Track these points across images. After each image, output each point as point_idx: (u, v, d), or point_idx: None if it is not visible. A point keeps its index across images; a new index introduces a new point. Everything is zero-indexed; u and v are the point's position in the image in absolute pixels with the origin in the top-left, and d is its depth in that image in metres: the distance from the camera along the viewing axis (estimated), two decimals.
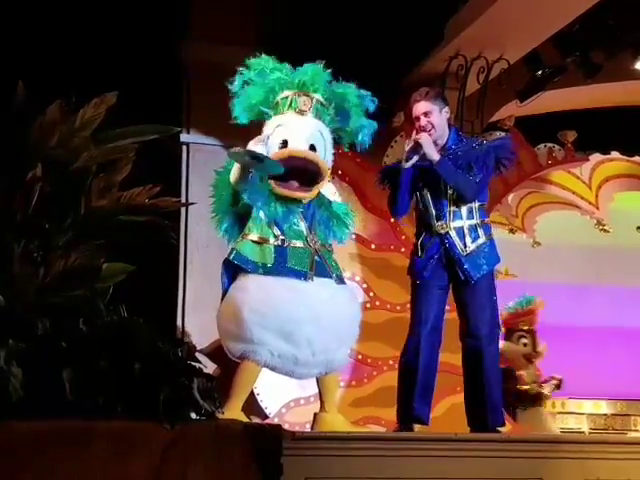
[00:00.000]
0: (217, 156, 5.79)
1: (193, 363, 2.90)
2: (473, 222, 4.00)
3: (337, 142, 4.05)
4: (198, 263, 5.82)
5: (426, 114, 3.98)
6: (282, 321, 3.68)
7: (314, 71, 3.89)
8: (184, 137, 6.02)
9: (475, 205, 4.02)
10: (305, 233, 3.86)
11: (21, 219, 2.94)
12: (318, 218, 3.95)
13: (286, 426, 4.23)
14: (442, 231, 3.97)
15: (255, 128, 4.06)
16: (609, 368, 6.00)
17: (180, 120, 5.99)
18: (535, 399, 5.57)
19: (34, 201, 2.93)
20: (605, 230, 6.33)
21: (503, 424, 3.94)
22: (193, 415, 2.82)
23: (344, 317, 3.88)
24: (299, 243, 3.83)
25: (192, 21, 6.25)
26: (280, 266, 3.77)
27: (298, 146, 3.83)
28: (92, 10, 5.63)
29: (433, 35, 6.38)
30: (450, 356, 4.45)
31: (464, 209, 3.99)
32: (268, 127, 3.92)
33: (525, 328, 5.82)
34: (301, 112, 3.87)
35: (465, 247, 3.96)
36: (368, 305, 5.38)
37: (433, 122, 3.97)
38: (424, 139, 3.91)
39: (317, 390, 4.43)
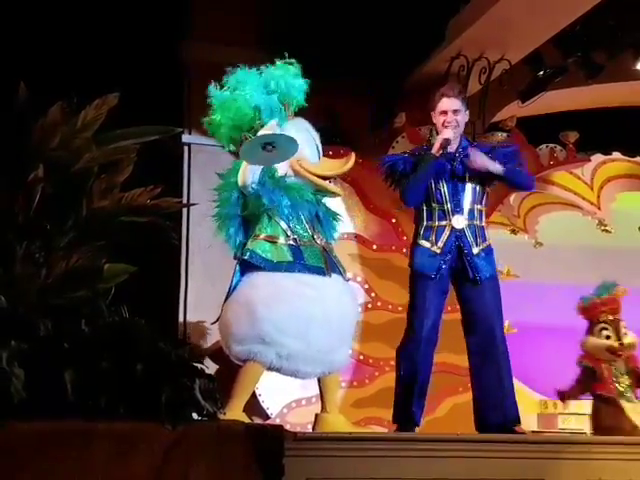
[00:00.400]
0: (218, 157, 5.78)
1: (195, 364, 2.90)
2: (480, 224, 4.02)
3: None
4: (199, 264, 5.81)
5: (455, 111, 4.01)
6: (296, 318, 3.68)
7: (297, 77, 4.06)
8: (185, 138, 6.02)
9: (483, 208, 4.04)
10: (310, 231, 3.88)
11: (23, 220, 2.94)
12: (320, 214, 3.99)
13: (287, 427, 4.23)
14: (459, 226, 3.96)
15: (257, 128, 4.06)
16: None
17: (181, 121, 5.99)
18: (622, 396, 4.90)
19: (36, 202, 2.94)
20: (607, 230, 6.33)
21: (519, 422, 3.93)
22: (195, 416, 2.82)
23: (349, 317, 3.91)
24: (307, 241, 3.86)
25: (193, 22, 6.25)
26: (298, 263, 3.79)
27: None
28: (93, 11, 5.63)
29: (434, 36, 6.37)
30: (452, 356, 4.45)
31: (475, 209, 4.01)
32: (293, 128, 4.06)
33: (607, 319, 5.20)
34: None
35: (477, 246, 3.97)
36: (369, 306, 5.38)
37: (459, 121, 4.01)
38: (477, 156, 3.92)
39: (318, 390, 4.44)
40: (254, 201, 3.87)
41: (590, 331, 5.24)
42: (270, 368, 3.80)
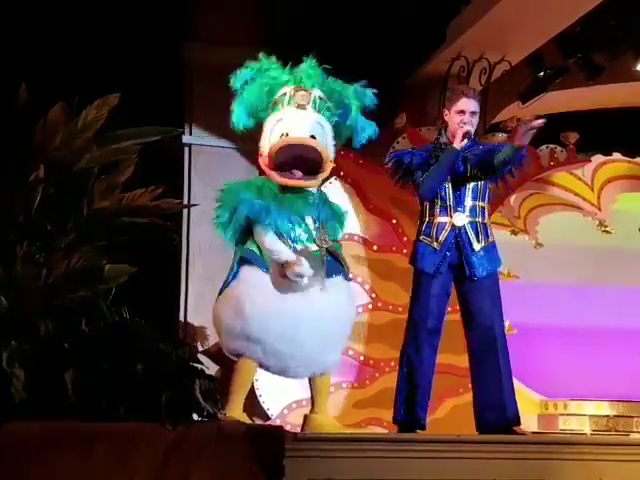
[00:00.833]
0: (219, 158, 5.79)
1: (195, 364, 2.90)
2: (482, 221, 4.02)
3: (336, 138, 4.05)
4: (200, 264, 5.81)
5: (472, 113, 4.03)
6: (283, 318, 3.67)
7: (309, 66, 3.93)
8: (186, 139, 6.02)
9: (486, 205, 4.04)
10: (314, 234, 3.85)
11: (24, 220, 2.94)
12: (324, 216, 3.94)
13: (288, 427, 4.23)
14: (459, 224, 3.96)
15: (257, 130, 4.06)
16: (611, 369, 5.99)
17: (182, 121, 6.00)
18: None
19: (36, 202, 2.94)
20: (607, 231, 6.32)
21: (519, 422, 3.93)
22: (195, 416, 2.82)
23: (343, 319, 3.88)
24: (309, 246, 3.82)
25: (194, 23, 6.25)
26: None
27: (297, 137, 3.84)
28: (95, 12, 5.63)
29: (435, 37, 6.37)
30: (452, 357, 4.45)
31: (477, 206, 4.01)
32: (268, 124, 3.93)
33: None
34: (301, 106, 3.90)
35: (479, 242, 3.97)
36: (370, 306, 5.38)
37: (474, 123, 4.03)
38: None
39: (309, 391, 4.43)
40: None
41: None
42: (261, 365, 3.79)
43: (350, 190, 5.48)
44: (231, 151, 5.86)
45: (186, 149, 6.05)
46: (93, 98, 3.16)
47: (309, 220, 3.87)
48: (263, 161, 3.94)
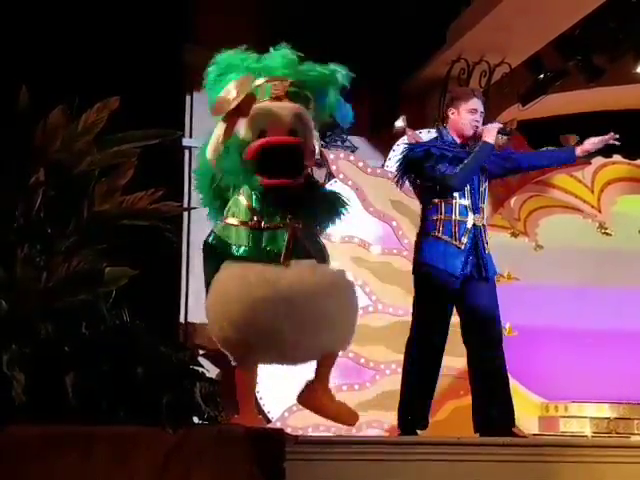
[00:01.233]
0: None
1: (195, 367, 2.90)
2: (485, 222, 4.04)
3: (316, 123, 3.79)
4: (200, 267, 5.81)
5: (482, 114, 4.05)
6: (246, 314, 3.40)
7: (281, 55, 3.69)
8: (186, 141, 6.03)
9: (486, 207, 4.05)
10: (285, 213, 3.58)
11: (24, 223, 2.94)
12: (305, 199, 3.65)
13: (289, 430, 4.23)
14: (479, 223, 3.95)
15: None
16: (612, 371, 5.98)
17: (182, 124, 6.00)
18: None
19: (37, 205, 2.94)
20: (607, 233, 6.32)
21: (514, 423, 3.92)
22: (195, 419, 2.82)
23: (318, 300, 3.51)
24: (277, 223, 3.56)
25: (194, 25, 6.26)
26: (255, 249, 3.54)
27: (275, 134, 3.56)
28: (95, 15, 5.64)
29: (435, 39, 6.38)
30: (453, 359, 4.44)
31: (485, 208, 4.02)
32: (245, 120, 3.65)
33: None
34: (276, 98, 3.64)
35: (487, 244, 3.98)
36: (371, 309, 5.38)
37: (481, 123, 4.04)
38: None
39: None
40: (224, 179, 3.64)
41: None
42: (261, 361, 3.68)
43: (350, 193, 5.48)
44: None
45: (186, 152, 6.05)
46: (93, 101, 3.16)
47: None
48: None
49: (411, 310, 4.88)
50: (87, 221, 3.00)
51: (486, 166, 4.01)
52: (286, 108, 3.63)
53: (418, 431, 3.92)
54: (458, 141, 4.01)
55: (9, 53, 5.01)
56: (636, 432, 5.57)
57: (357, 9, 6.17)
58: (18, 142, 2.99)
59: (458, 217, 3.93)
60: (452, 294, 3.91)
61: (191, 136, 6.06)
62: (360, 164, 5.55)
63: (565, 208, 6.37)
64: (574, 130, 6.25)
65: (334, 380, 4.30)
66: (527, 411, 5.67)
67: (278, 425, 4.86)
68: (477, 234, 3.95)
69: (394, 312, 5.32)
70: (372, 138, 6.44)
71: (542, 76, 6.55)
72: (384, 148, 5.67)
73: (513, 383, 4.67)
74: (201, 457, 2.68)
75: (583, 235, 6.37)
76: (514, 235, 6.23)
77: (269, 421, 5.04)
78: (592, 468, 3.41)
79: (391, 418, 4.40)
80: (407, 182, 4.12)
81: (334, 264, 3.80)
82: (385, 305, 5.40)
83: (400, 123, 5.96)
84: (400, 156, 4.12)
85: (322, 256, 3.66)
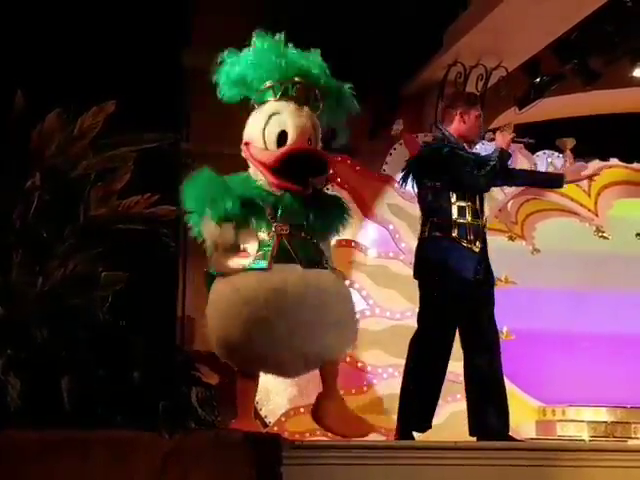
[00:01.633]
0: (217, 164, 5.78)
1: (192, 372, 2.89)
2: None
3: None
4: (196, 271, 5.80)
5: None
6: (240, 330, 3.44)
7: (316, 60, 3.70)
8: (183, 145, 6.02)
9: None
10: (271, 223, 3.58)
11: (20, 227, 2.93)
12: (296, 208, 3.62)
13: (286, 435, 4.22)
14: (486, 229, 3.99)
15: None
16: (609, 375, 5.98)
17: (180, 128, 6.00)
18: None
19: (32, 209, 2.93)
20: (604, 237, 6.33)
21: (508, 427, 3.92)
22: (192, 424, 2.81)
23: (311, 304, 3.49)
24: (263, 234, 3.58)
25: (192, 29, 6.26)
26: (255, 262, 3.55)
27: (299, 142, 3.59)
28: (93, 18, 5.64)
29: (432, 43, 6.40)
30: (451, 363, 4.43)
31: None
32: (262, 113, 3.67)
33: None
34: (299, 102, 3.65)
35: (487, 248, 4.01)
36: (367, 313, 5.37)
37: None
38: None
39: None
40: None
41: None
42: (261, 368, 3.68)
43: (347, 196, 5.48)
44: (229, 157, 5.87)
45: (184, 155, 6.05)
46: (90, 104, 3.15)
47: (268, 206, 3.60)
48: (253, 152, 3.69)
49: (408, 314, 4.88)
50: (83, 225, 2.99)
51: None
52: (308, 116, 3.66)
53: (416, 435, 3.92)
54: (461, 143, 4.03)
55: (5, 57, 5.00)
56: (634, 436, 5.56)
57: (355, 13, 6.18)
58: (14, 146, 2.98)
59: (470, 220, 3.93)
60: (461, 297, 3.89)
61: (189, 139, 6.06)
62: (357, 168, 5.55)
63: (562, 212, 6.37)
64: (571, 134, 6.27)
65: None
66: (524, 415, 5.66)
67: (275, 430, 4.85)
68: (485, 238, 3.96)
69: (391, 316, 5.32)
70: (369, 142, 6.45)
71: (538, 80, 6.57)
72: (381, 152, 5.66)
73: (510, 387, 4.68)
74: (199, 461, 2.68)
75: (580, 239, 6.37)
76: (511, 239, 6.23)
77: (266, 425, 5.04)
78: (589, 472, 3.41)
79: (388, 422, 4.40)
80: (409, 182, 4.11)
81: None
82: (382, 309, 5.39)
83: (397, 127, 5.97)
84: (420, 155, 4.10)
85: (315, 260, 3.61)
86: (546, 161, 6.04)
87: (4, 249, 2.89)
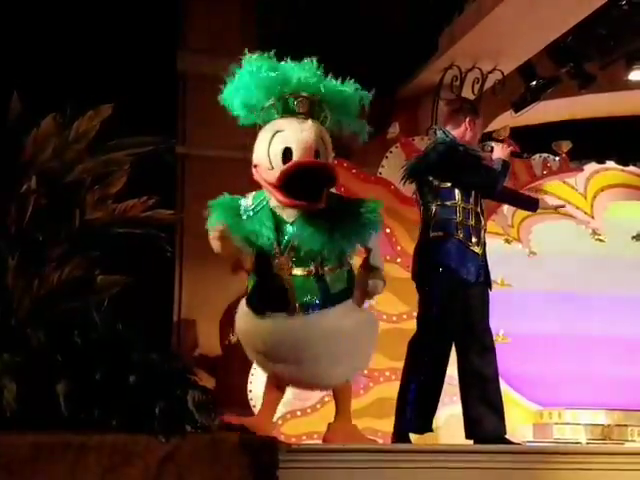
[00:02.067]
0: (213, 167, 5.80)
1: (188, 375, 2.89)
2: None
3: (333, 139, 3.76)
4: (193, 275, 5.81)
5: None
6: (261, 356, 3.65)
7: (309, 70, 3.62)
8: (179, 149, 6.03)
9: None
10: (278, 258, 3.54)
11: (15, 231, 2.93)
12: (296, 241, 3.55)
13: (282, 438, 4.22)
14: (486, 233, 4.00)
15: (251, 139, 4.03)
16: (605, 378, 5.98)
17: (176, 131, 6.00)
18: None
19: (28, 213, 2.93)
20: (600, 240, 6.33)
21: (506, 431, 3.92)
22: (188, 428, 2.81)
23: (316, 349, 3.53)
24: (271, 274, 3.56)
25: (187, 32, 6.26)
26: (248, 299, 3.66)
27: (303, 156, 3.52)
28: (87, 22, 5.64)
29: (428, 46, 6.40)
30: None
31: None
32: (266, 133, 3.62)
33: None
34: (301, 115, 3.59)
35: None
36: None
37: None
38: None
39: (313, 402, 4.40)
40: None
41: None
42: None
43: None
44: (225, 160, 5.87)
45: (179, 159, 6.05)
46: (86, 108, 3.16)
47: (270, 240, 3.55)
48: (262, 174, 3.61)
49: (405, 317, 4.87)
50: (79, 229, 2.99)
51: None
52: (312, 129, 3.58)
53: (412, 438, 3.91)
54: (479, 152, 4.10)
55: (1, 60, 5.00)
56: (630, 439, 5.56)
57: (349, 19, 6.19)
58: (9, 150, 2.98)
59: (473, 222, 3.94)
60: (461, 298, 3.89)
61: (184, 143, 6.06)
62: (353, 170, 5.55)
63: (558, 214, 6.38)
64: (567, 136, 6.28)
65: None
66: (521, 418, 5.66)
67: (271, 433, 4.84)
68: (485, 241, 3.99)
69: (387, 319, 5.31)
70: (365, 145, 6.45)
71: (534, 83, 6.58)
72: (377, 155, 5.66)
73: (507, 390, 4.67)
74: (195, 465, 2.68)
75: (576, 241, 6.37)
76: (507, 241, 6.24)
77: None
78: (586, 475, 3.41)
79: (384, 425, 4.39)
80: (408, 182, 4.12)
81: None
82: (379, 312, 5.38)
83: (393, 130, 5.97)
84: (434, 153, 4.01)
85: (313, 304, 3.55)
86: (542, 164, 6.05)
87: (0, 253, 2.89)
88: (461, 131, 4.05)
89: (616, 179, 6.47)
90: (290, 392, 4.25)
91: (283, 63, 3.64)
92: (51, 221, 2.96)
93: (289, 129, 3.57)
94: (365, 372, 5.29)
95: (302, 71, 3.62)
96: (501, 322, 4.14)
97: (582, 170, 6.30)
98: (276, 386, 3.75)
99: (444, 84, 6.49)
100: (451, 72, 6.44)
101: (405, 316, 5.01)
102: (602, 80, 6.62)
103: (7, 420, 2.56)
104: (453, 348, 3.98)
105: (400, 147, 5.62)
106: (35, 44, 5.40)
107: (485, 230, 4.03)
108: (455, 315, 3.88)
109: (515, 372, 5.39)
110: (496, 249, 4.40)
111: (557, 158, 6.13)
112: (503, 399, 3.94)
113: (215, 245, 3.62)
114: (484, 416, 3.84)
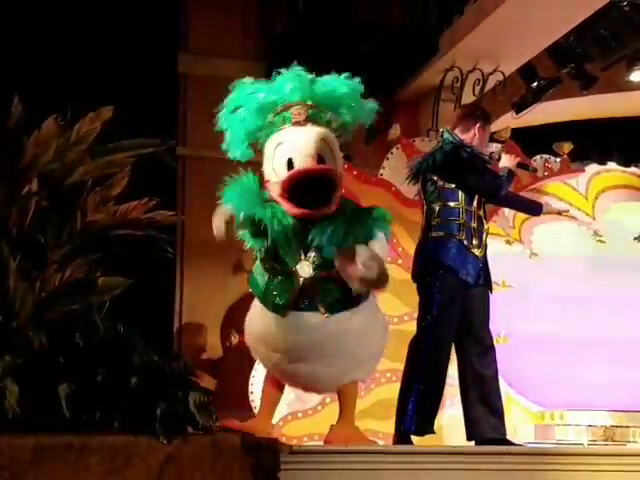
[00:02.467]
0: (214, 168, 5.79)
1: (189, 377, 2.89)
2: None
3: (342, 136, 3.75)
4: (194, 276, 5.81)
5: None
6: (268, 358, 3.68)
7: (294, 78, 3.61)
8: (180, 150, 6.03)
9: None
10: (298, 259, 3.53)
11: (17, 233, 2.93)
12: (317, 240, 3.53)
13: (283, 439, 4.21)
14: (487, 236, 4.00)
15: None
16: (607, 378, 5.98)
17: (176, 133, 6.01)
18: None
19: (30, 215, 2.93)
20: (602, 241, 6.33)
21: (506, 432, 3.92)
22: (190, 429, 2.81)
23: (330, 352, 3.57)
24: (288, 272, 3.54)
25: (188, 35, 6.27)
26: (265, 298, 3.62)
27: (304, 163, 3.50)
28: (88, 24, 5.65)
29: (428, 48, 6.41)
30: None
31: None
32: (268, 149, 3.63)
33: None
34: (298, 123, 3.57)
35: None
36: None
37: None
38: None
39: (314, 403, 4.39)
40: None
41: None
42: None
43: None
44: (225, 162, 5.87)
45: (180, 161, 6.06)
46: (87, 110, 3.16)
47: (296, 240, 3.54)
48: (272, 189, 3.59)
49: (405, 318, 4.87)
50: (80, 231, 3.00)
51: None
52: (311, 133, 3.57)
53: (413, 440, 3.91)
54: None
55: (2, 62, 5.01)
56: (633, 440, 5.56)
57: (350, 20, 6.19)
58: (11, 152, 2.99)
59: (475, 225, 3.94)
60: (460, 299, 3.89)
61: (185, 145, 6.06)
62: (354, 172, 5.55)
63: (559, 215, 6.38)
64: (568, 137, 6.28)
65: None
66: (523, 419, 5.66)
67: (273, 434, 4.84)
68: (486, 244, 3.99)
69: (389, 320, 5.30)
70: (366, 146, 6.45)
71: (535, 84, 6.57)
72: (378, 156, 5.67)
73: (508, 391, 4.67)
74: (196, 467, 2.68)
75: (577, 242, 6.37)
76: (509, 243, 6.24)
77: None
78: (588, 476, 3.41)
79: (385, 427, 4.39)
80: (413, 182, 4.11)
81: None
82: None
83: (393, 131, 5.97)
84: (440, 152, 3.98)
85: (334, 304, 3.56)
86: (543, 165, 6.05)
87: (2, 255, 2.89)
88: (469, 136, 4.05)
89: (617, 180, 6.47)
90: (292, 393, 4.25)
91: (272, 79, 3.65)
92: (52, 223, 2.97)
93: (289, 140, 3.58)
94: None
95: (291, 81, 3.61)
96: (502, 323, 4.14)
97: (583, 171, 6.30)
98: (275, 387, 3.75)
99: (445, 85, 6.49)
100: (452, 73, 6.44)
101: (406, 317, 5.01)
102: (603, 81, 6.61)
103: (9, 422, 2.56)
104: (453, 349, 3.99)
105: (401, 148, 5.62)
106: (36, 46, 5.41)
107: (487, 233, 4.03)
108: (455, 316, 3.88)
109: (516, 373, 5.38)
110: (497, 250, 4.39)
111: (558, 159, 6.14)
112: (503, 400, 3.94)
113: (218, 225, 3.48)
114: (484, 417, 3.84)
